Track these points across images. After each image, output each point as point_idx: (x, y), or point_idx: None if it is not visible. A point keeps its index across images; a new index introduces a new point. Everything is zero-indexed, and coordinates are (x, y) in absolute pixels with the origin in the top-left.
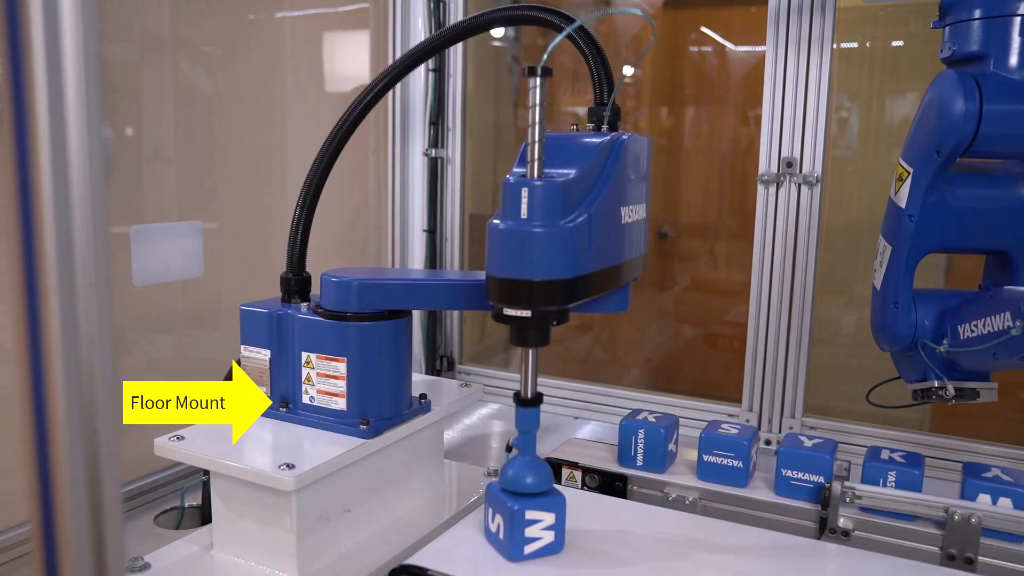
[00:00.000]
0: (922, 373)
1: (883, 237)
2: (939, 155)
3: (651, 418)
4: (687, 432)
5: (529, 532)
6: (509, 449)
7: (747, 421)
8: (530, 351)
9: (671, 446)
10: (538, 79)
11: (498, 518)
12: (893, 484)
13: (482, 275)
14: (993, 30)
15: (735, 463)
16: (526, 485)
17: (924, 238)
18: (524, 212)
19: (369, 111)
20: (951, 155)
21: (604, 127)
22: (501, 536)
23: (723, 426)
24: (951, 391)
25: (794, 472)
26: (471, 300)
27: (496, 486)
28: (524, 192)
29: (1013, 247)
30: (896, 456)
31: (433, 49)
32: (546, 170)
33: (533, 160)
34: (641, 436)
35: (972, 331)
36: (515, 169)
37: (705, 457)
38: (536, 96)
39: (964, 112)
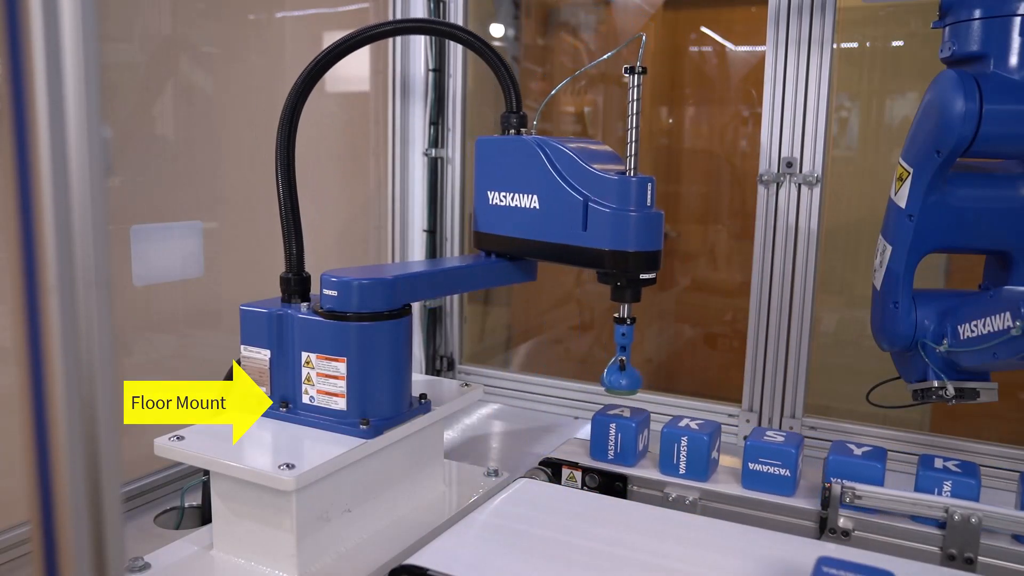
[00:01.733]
0: (922, 373)
1: (883, 237)
2: (939, 155)
3: (693, 425)
4: None
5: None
6: (623, 366)
7: (747, 421)
8: (627, 305)
9: (713, 453)
10: (635, 77)
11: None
12: (949, 493)
13: (476, 258)
14: (993, 30)
15: (782, 471)
16: (622, 386)
17: (924, 238)
18: (649, 200)
19: (303, 104)
20: (951, 155)
21: (514, 131)
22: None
23: (768, 434)
24: (951, 391)
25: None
26: (475, 281)
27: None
28: (649, 186)
29: (1013, 247)
30: (950, 466)
31: (339, 53)
32: (595, 167)
33: (631, 156)
34: (684, 443)
35: (972, 331)
36: (602, 167)
37: (751, 465)
38: (634, 94)
39: (964, 112)
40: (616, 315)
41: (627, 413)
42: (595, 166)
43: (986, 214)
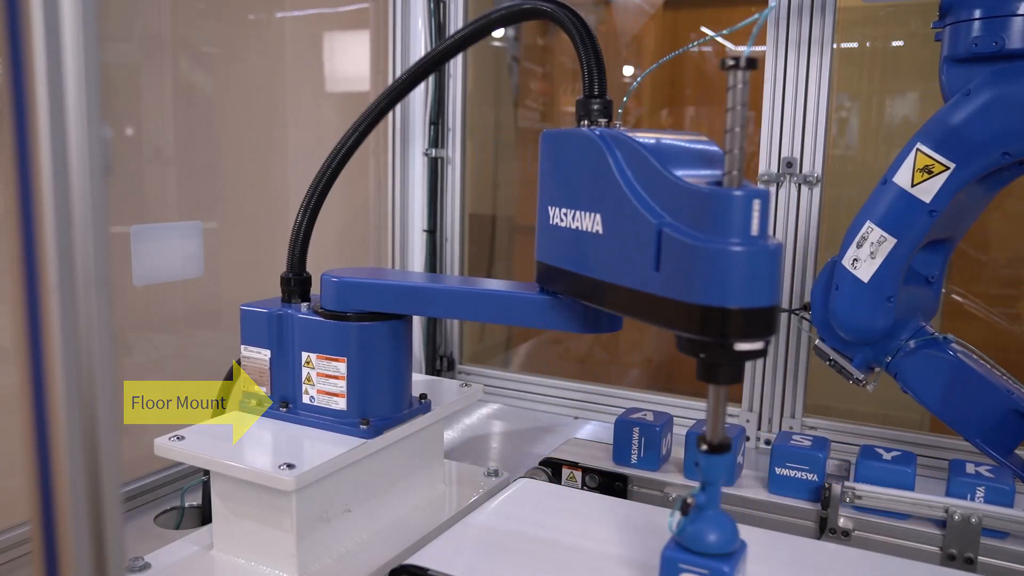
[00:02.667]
0: (865, 363)
1: (880, 227)
2: (1007, 156)
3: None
4: None
5: None
6: (685, 510)
7: (747, 421)
8: (721, 388)
9: (739, 458)
10: (740, 73)
11: None
12: (983, 499)
13: (486, 284)
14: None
15: (810, 476)
16: (710, 544)
17: (929, 233)
18: (757, 228)
19: (381, 118)
20: (1020, 158)
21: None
22: None
23: (795, 438)
24: (870, 389)
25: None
26: (474, 310)
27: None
28: (758, 205)
29: (958, 236)
30: (982, 471)
31: (442, 57)
32: (677, 168)
33: (732, 153)
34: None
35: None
36: (694, 174)
37: (777, 470)
38: (737, 96)
39: None
40: (703, 440)
41: (650, 417)
42: (681, 172)
43: (957, 207)
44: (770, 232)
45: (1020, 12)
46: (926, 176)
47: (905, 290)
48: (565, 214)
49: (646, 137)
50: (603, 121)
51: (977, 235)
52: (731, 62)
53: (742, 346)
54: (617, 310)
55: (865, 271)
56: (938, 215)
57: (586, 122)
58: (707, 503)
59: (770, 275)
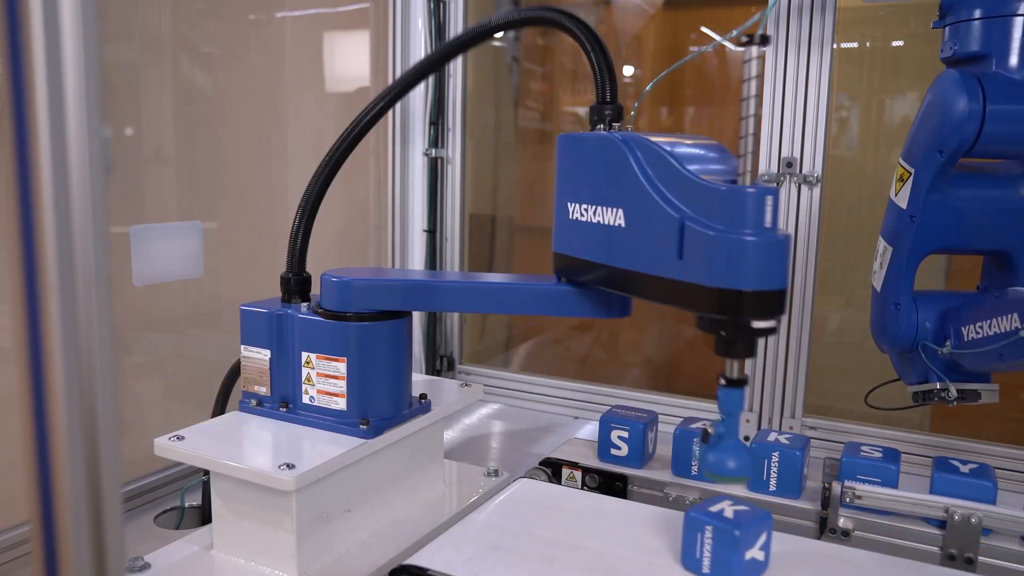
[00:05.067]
0: (923, 375)
1: (883, 238)
2: (941, 155)
3: (783, 439)
4: None
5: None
6: (705, 438)
7: (747, 421)
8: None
9: (805, 470)
10: (755, 53)
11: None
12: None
13: (484, 277)
14: (994, 30)
15: None
16: (729, 469)
17: (925, 239)
18: (769, 220)
19: (378, 120)
20: (953, 155)
21: (606, 125)
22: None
23: (864, 449)
24: (953, 393)
25: None
26: (475, 303)
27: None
28: (770, 200)
29: (1013, 248)
30: (964, 468)
31: (441, 60)
32: (693, 168)
33: (744, 155)
34: (776, 459)
35: (977, 332)
36: (710, 173)
37: (847, 484)
38: (751, 88)
39: (967, 112)
40: (721, 376)
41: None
42: (699, 172)
43: (985, 214)
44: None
45: (963, 19)
46: (900, 184)
47: None
48: (586, 209)
49: (662, 140)
50: (616, 125)
51: None
52: (747, 37)
53: (757, 324)
54: (643, 296)
55: (878, 281)
56: (918, 220)
57: (601, 126)
58: (726, 433)
59: (781, 262)
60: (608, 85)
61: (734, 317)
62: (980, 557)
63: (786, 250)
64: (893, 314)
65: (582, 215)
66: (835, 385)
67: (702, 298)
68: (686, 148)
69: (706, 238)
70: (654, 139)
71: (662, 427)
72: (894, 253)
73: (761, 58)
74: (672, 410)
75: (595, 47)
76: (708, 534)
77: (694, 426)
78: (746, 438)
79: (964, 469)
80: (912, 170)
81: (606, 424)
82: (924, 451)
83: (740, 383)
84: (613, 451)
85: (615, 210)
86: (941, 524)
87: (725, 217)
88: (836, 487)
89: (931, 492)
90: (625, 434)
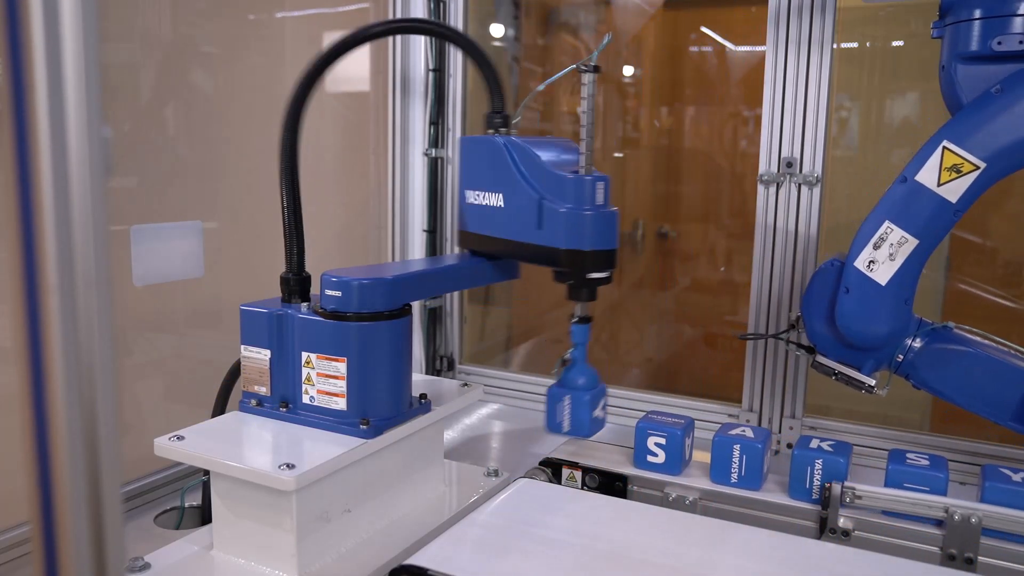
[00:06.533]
0: (870, 364)
1: (901, 228)
2: None
3: (826, 446)
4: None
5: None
6: (564, 362)
7: (747, 421)
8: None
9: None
10: (589, 75)
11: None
12: (820, 473)
13: (462, 258)
14: None
15: None
16: (579, 385)
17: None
18: (602, 199)
19: (305, 105)
20: None
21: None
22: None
23: (910, 456)
24: (882, 394)
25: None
26: (472, 278)
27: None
28: (602, 185)
29: None
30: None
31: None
32: (554, 166)
33: (584, 153)
34: (820, 467)
35: None
36: (563, 166)
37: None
38: (586, 91)
39: None
40: (572, 315)
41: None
42: (555, 165)
43: None
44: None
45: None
46: (954, 175)
47: None
48: (479, 195)
49: (532, 142)
50: (503, 130)
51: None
52: (584, 67)
53: (594, 275)
54: (516, 258)
55: (883, 273)
56: (961, 215)
57: (491, 131)
58: (578, 357)
59: (610, 229)
60: (496, 97)
61: (578, 269)
62: (980, 557)
63: (614, 220)
64: (901, 311)
65: (476, 199)
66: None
67: (557, 256)
68: (546, 147)
69: (557, 213)
70: (526, 141)
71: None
72: (919, 246)
73: (593, 84)
74: (673, 410)
75: (483, 62)
76: (567, 402)
77: (733, 432)
78: (789, 445)
79: (1016, 478)
80: (982, 164)
81: (642, 431)
82: (925, 451)
83: (586, 320)
84: (650, 458)
85: (497, 194)
86: (941, 524)
87: (571, 197)
88: (836, 487)
89: (981, 501)
90: (663, 440)
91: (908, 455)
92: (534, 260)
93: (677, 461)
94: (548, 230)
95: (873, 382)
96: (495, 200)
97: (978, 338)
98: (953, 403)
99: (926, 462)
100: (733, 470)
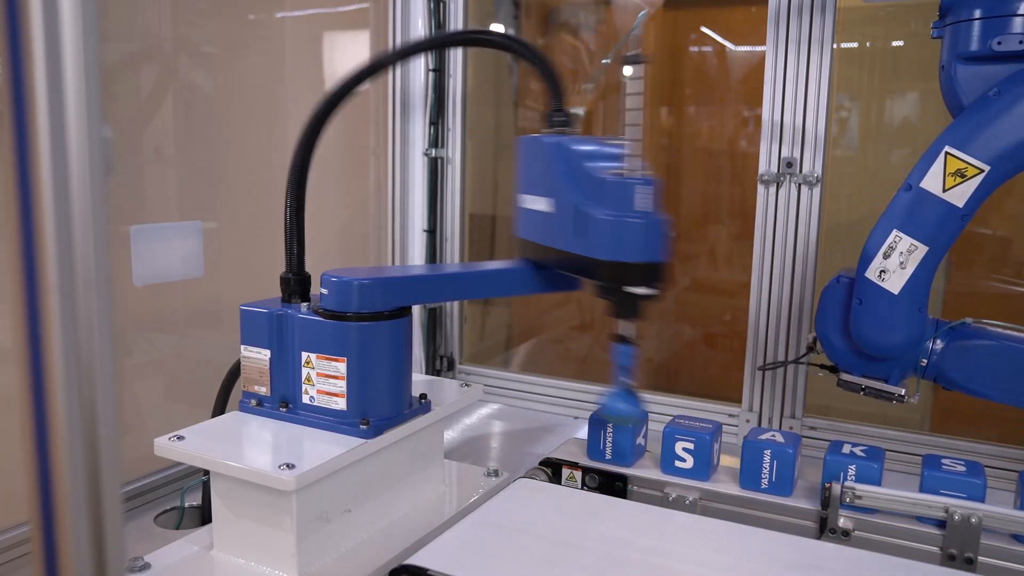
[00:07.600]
0: (895, 375)
1: (909, 236)
2: None
3: (858, 452)
4: None
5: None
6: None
7: (747, 421)
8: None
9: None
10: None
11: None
12: (853, 478)
13: (481, 266)
14: None
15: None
16: (622, 412)
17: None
18: (646, 205)
19: (332, 113)
20: None
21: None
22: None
23: (945, 462)
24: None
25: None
26: (475, 289)
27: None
28: (650, 189)
29: None
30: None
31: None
32: (597, 167)
33: (631, 156)
34: (853, 473)
35: None
36: (608, 167)
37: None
38: (632, 88)
39: None
40: (615, 334)
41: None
42: (598, 167)
43: None
44: (658, 210)
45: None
46: (959, 180)
47: None
48: (531, 199)
49: (581, 142)
50: (563, 129)
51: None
52: (627, 55)
53: (638, 291)
54: (562, 268)
55: (895, 282)
56: (969, 219)
57: (547, 130)
58: (621, 382)
59: (657, 239)
60: (555, 96)
61: (619, 284)
62: (980, 557)
63: (661, 230)
64: (916, 318)
65: (530, 204)
66: (835, 385)
67: (597, 269)
68: (594, 148)
69: (597, 220)
70: (575, 142)
71: (659, 427)
72: (929, 252)
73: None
74: (673, 410)
75: (544, 65)
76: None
77: (762, 437)
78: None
79: (955, 467)
80: (985, 168)
81: (670, 436)
82: (924, 451)
83: (627, 341)
84: (678, 463)
85: (547, 199)
86: (941, 524)
87: (613, 203)
88: (836, 487)
89: (1021, 508)
90: (690, 445)
91: (943, 461)
92: (577, 272)
93: (705, 466)
94: (587, 239)
95: (903, 391)
96: (544, 205)
97: (998, 330)
98: (988, 399)
99: (962, 468)
100: (764, 476)
